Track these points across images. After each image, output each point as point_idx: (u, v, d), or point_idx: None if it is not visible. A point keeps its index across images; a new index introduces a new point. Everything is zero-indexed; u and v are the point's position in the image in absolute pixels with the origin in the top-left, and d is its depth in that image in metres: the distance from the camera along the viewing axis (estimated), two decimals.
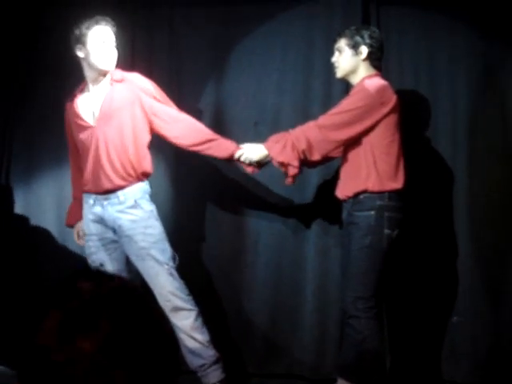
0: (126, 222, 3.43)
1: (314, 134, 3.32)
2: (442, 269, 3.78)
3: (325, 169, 3.79)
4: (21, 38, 4.32)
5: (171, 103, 3.58)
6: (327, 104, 3.75)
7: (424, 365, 3.77)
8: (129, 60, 4.21)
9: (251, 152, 3.45)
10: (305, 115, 3.90)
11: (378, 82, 3.38)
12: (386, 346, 3.63)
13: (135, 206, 3.44)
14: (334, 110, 3.40)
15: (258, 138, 3.91)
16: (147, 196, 3.49)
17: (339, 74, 3.50)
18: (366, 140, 3.31)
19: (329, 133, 3.31)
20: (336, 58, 3.47)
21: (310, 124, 3.37)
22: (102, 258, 3.49)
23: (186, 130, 3.54)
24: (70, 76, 3.76)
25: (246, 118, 4.05)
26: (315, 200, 3.95)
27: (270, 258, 3.99)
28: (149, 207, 3.48)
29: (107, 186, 3.42)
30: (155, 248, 3.43)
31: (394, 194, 3.28)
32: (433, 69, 3.90)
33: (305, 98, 3.97)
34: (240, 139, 3.80)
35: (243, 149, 3.48)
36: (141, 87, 3.50)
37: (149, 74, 4.16)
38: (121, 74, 3.51)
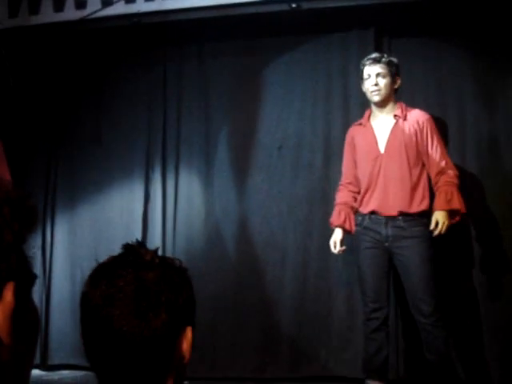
0: None
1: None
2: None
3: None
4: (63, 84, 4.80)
5: None
6: (345, 129, 3.99)
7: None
8: (161, 90, 4.61)
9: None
10: (325, 139, 4.25)
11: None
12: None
13: None
14: (437, 150, 3.59)
15: (282, 160, 4.28)
16: None
17: (380, 97, 3.61)
18: (421, 162, 3.60)
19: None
20: (379, 82, 3.60)
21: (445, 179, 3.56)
22: None
23: None
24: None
25: (270, 143, 4.37)
26: None
27: (296, 270, 4.26)
28: None
29: None
30: None
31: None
32: (441, 95, 4.18)
33: (325, 124, 4.28)
34: (265, 161, 4.20)
35: None
36: None
37: (179, 101, 4.57)
38: None
